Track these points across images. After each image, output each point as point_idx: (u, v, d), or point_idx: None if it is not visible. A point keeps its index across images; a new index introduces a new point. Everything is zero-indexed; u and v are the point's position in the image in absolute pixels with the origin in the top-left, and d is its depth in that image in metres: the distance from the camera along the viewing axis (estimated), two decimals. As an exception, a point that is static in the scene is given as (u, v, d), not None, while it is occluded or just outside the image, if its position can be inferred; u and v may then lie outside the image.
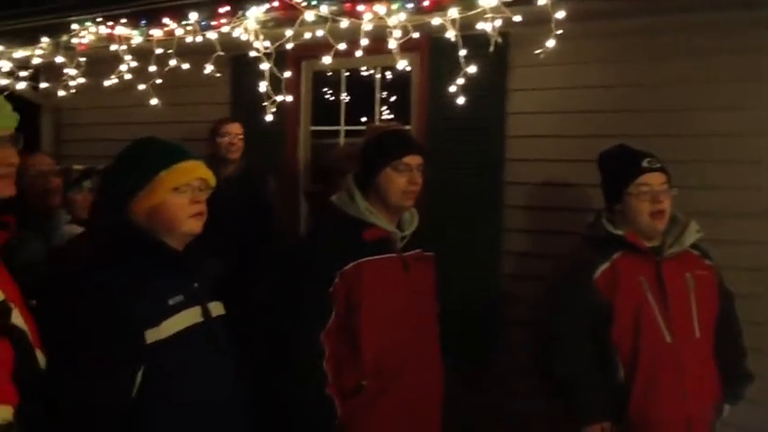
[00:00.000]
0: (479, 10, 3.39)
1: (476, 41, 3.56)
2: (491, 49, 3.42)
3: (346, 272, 2.46)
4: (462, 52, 3.52)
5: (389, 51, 3.68)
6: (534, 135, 3.91)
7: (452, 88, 3.62)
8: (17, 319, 1.59)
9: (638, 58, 3.63)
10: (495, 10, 3.38)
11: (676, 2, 3.44)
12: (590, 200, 3.40)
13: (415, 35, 3.60)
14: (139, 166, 1.93)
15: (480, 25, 3.47)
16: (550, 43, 3.33)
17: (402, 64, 3.73)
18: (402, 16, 3.57)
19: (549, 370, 2.72)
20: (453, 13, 3.46)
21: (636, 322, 2.56)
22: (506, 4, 3.36)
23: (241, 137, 4.23)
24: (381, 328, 2.49)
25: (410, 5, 3.55)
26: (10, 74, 5.09)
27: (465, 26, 3.52)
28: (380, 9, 3.56)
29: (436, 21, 3.52)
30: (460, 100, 3.63)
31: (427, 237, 2.75)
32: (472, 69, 3.54)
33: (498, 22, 3.42)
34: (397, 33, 3.60)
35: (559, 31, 3.28)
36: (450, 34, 3.50)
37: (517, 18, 3.36)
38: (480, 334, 3.90)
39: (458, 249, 3.68)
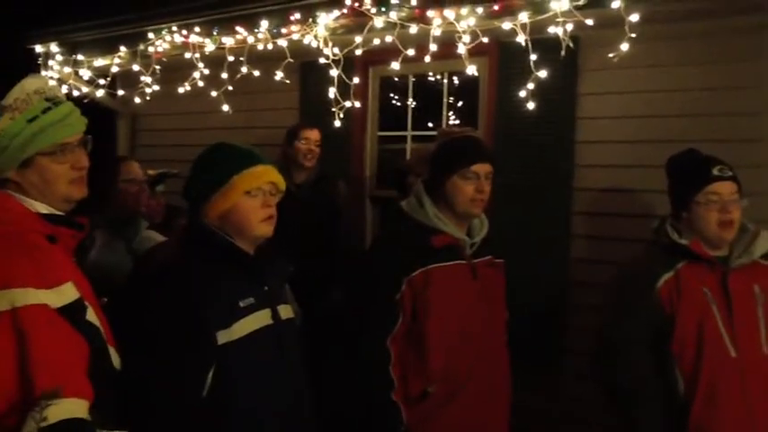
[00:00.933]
0: (550, 14, 3.35)
1: (546, 45, 3.51)
2: (562, 53, 3.37)
3: (414, 278, 2.45)
4: (533, 57, 3.48)
5: (458, 56, 3.66)
6: (605, 140, 3.83)
7: (522, 93, 3.58)
8: (92, 316, 1.65)
9: (716, 60, 3.51)
10: (566, 14, 3.33)
11: (756, 2, 3.31)
12: (663, 206, 3.30)
13: (484, 40, 3.58)
14: (213, 171, 1.99)
15: (551, 29, 3.42)
16: (624, 46, 3.25)
17: (471, 69, 3.70)
18: (471, 21, 3.55)
19: (609, 378, 2.63)
20: (524, 17, 3.42)
21: (698, 335, 2.43)
22: (578, 8, 3.30)
23: (319, 144, 4.23)
24: (449, 334, 2.47)
25: (480, 10, 3.52)
26: (90, 82, 5.29)
27: (535, 30, 3.48)
28: (450, 14, 3.55)
29: (506, 25, 3.49)
30: (530, 105, 3.58)
31: (495, 243, 2.72)
32: (543, 74, 3.49)
33: (570, 26, 3.37)
34: (467, 38, 3.58)
35: (633, 34, 3.20)
36: (521, 38, 3.46)
37: (589, 21, 3.30)
38: (548, 340, 3.85)
39: (526, 256, 3.63)
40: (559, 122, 3.89)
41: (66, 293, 1.54)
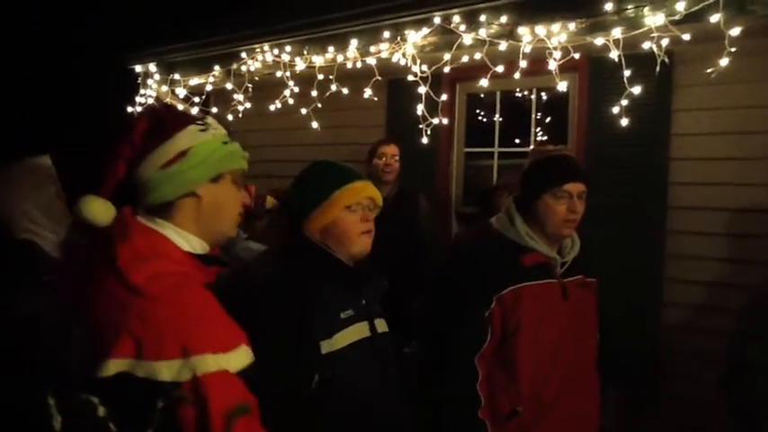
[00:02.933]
0: (645, 29, 3.28)
1: (639, 61, 3.45)
2: (657, 68, 3.29)
3: (504, 296, 2.42)
4: (626, 72, 3.42)
5: (547, 72, 3.64)
6: (701, 158, 3.72)
7: (615, 109, 3.51)
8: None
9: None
10: (661, 28, 3.26)
11: None
12: (760, 225, 3.18)
13: (576, 56, 3.54)
14: (315, 187, 2.07)
15: (645, 44, 3.35)
16: (724, 61, 3.15)
17: (563, 85, 3.66)
18: (563, 37, 3.52)
19: (743, 401, 2.53)
20: (617, 32, 3.36)
21: None
22: (674, 23, 3.22)
23: (396, 158, 4.26)
24: (538, 354, 2.43)
25: (572, 26, 3.48)
26: (185, 100, 5.52)
27: (628, 45, 3.42)
28: (541, 30, 3.53)
29: (599, 41, 3.43)
30: (623, 121, 3.51)
31: (587, 262, 2.67)
32: (636, 90, 3.42)
33: (665, 41, 3.29)
34: (557, 54, 3.55)
35: (733, 49, 3.10)
36: (613, 54, 3.40)
37: (686, 36, 3.22)
38: (642, 362, 3.74)
39: (619, 275, 3.54)
40: (653, 139, 3.80)
41: (244, 356, 1.43)
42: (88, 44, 13.87)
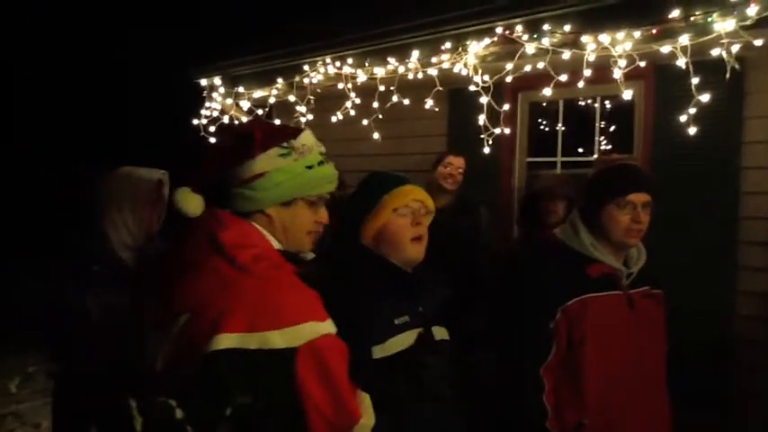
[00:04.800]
0: (714, 35, 3.20)
1: (708, 68, 3.36)
2: (727, 75, 3.20)
3: (569, 307, 2.40)
4: (694, 80, 3.33)
5: (612, 80, 3.58)
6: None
7: (682, 117, 3.43)
8: None
9: None
10: (731, 34, 3.17)
11: None
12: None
13: (641, 64, 3.47)
14: (366, 194, 2.16)
15: (714, 51, 3.27)
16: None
17: (628, 94, 3.58)
18: (628, 45, 3.46)
19: None
20: (684, 39, 3.29)
21: None
22: (744, 28, 3.13)
23: (461, 171, 4.29)
24: (605, 366, 2.39)
25: (637, 34, 3.42)
26: (249, 112, 5.64)
27: (696, 52, 3.34)
28: (605, 39, 3.48)
29: (665, 48, 3.36)
30: (691, 130, 3.43)
31: (655, 273, 2.61)
32: (705, 97, 3.33)
33: (735, 47, 3.20)
34: (622, 62, 3.49)
35: (809, 53, 3.00)
36: (681, 62, 3.33)
37: (757, 42, 3.13)
38: (714, 378, 3.63)
39: (688, 288, 3.45)
40: (723, 148, 3.71)
41: (333, 325, 1.59)
42: (154, 59, 14.33)
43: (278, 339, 1.43)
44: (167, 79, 9.85)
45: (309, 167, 1.67)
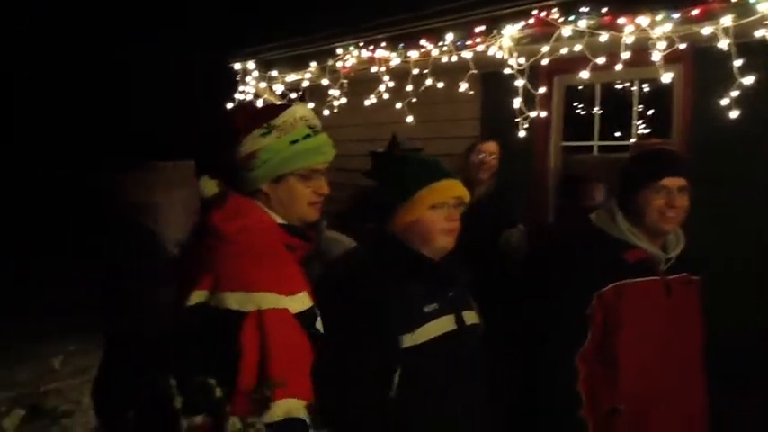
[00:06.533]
0: (758, 16, 3.12)
1: (750, 50, 3.28)
2: (771, 57, 3.13)
3: (605, 293, 2.37)
4: (736, 62, 3.25)
5: (649, 63, 3.51)
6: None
7: (724, 101, 3.35)
8: (319, 324, 1.77)
9: None
10: (776, 15, 3.09)
11: None
12: None
13: (681, 46, 3.40)
14: (400, 183, 2.07)
15: (757, 32, 3.18)
16: None
17: (667, 77, 3.51)
18: (667, 27, 3.39)
19: None
20: (726, 21, 3.21)
21: None
22: (789, 8, 3.05)
23: (495, 156, 4.19)
24: (640, 353, 2.36)
25: (676, 15, 3.35)
26: (282, 96, 5.66)
27: (738, 34, 3.26)
28: (643, 21, 3.41)
29: (706, 30, 3.29)
30: (733, 113, 3.34)
31: (692, 260, 2.57)
32: (748, 80, 3.24)
33: (780, 29, 3.13)
34: (661, 45, 3.41)
35: None
36: (722, 44, 3.25)
37: (803, 23, 3.05)
38: (757, 367, 3.56)
39: (729, 275, 3.39)
40: (766, 132, 3.60)
41: (303, 301, 1.68)
42: (189, 44, 14.41)
43: (232, 301, 1.54)
44: (202, 64, 9.91)
45: (294, 142, 1.73)
